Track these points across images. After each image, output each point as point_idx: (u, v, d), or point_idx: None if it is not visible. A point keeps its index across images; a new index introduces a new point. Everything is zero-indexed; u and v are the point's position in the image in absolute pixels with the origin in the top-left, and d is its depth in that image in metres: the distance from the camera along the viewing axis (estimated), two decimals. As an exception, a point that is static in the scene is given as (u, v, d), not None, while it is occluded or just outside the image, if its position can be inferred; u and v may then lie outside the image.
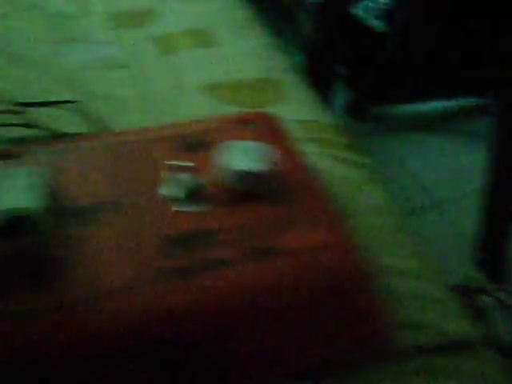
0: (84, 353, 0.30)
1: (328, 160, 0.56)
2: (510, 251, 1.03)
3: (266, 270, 0.33)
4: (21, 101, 0.58)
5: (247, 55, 0.74)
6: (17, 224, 0.32)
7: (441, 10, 1.29)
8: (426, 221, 1.18)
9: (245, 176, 0.37)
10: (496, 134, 0.96)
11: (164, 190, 0.38)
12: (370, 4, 1.39)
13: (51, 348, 0.29)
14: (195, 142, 0.43)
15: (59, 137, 0.52)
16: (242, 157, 0.38)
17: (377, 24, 1.35)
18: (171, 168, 0.39)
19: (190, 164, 0.37)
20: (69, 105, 0.58)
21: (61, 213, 0.36)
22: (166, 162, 0.39)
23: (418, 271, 0.49)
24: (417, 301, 0.46)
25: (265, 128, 0.45)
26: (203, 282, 0.32)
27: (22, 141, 0.53)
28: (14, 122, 0.54)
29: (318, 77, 1.23)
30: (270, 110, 0.63)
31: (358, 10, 1.41)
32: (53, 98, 0.60)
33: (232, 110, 0.61)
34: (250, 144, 0.40)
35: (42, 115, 0.57)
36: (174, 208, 0.37)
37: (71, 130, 0.53)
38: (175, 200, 0.37)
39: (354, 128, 1.40)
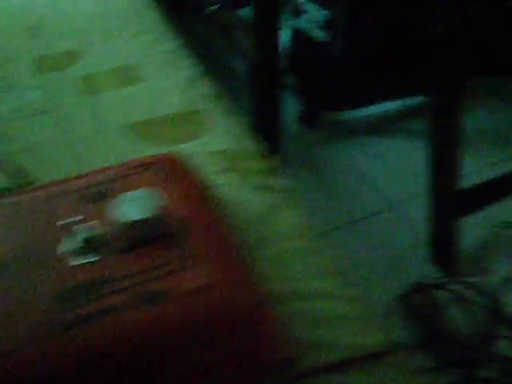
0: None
1: (244, 188, 0.58)
2: (463, 245, 1.06)
3: (156, 314, 0.35)
4: None
5: (171, 89, 0.76)
6: None
7: (376, 17, 1.34)
8: (381, 222, 1.21)
9: (132, 225, 0.39)
10: (430, 133, 0.99)
11: (60, 245, 0.39)
12: (311, 17, 1.45)
13: None
14: (97, 193, 0.45)
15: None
16: (130, 206, 0.40)
17: (319, 34, 1.40)
18: (67, 223, 0.41)
19: (82, 218, 0.39)
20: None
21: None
22: (61, 217, 0.41)
23: (333, 291, 0.51)
24: (331, 320, 0.48)
25: (165, 171, 0.47)
26: (94, 330, 0.34)
27: None
28: None
29: (265, 90, 1.27)
30: (190, 143, 0.66)
31: (301, 23, 1.46)
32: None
33: (152, 148, 0.63)
34: (140, 192, 0.42)
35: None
36: (69, 261, 0.38)
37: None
38: (72, 253, 0.39)
39: (308, 137, 1.45)
